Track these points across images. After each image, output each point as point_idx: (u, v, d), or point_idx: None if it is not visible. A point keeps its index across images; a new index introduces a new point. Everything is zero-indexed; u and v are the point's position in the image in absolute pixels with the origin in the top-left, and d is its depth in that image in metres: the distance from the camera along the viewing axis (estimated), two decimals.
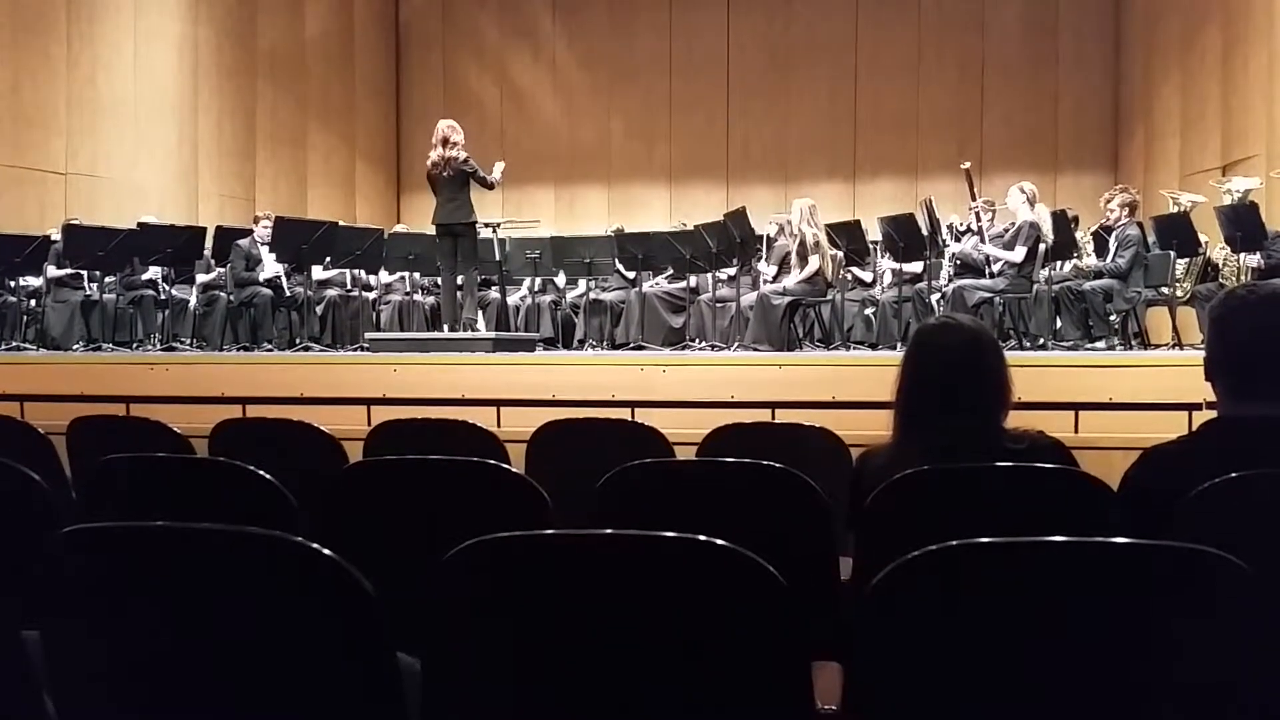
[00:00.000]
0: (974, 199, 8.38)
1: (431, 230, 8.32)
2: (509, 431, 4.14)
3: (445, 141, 7.75)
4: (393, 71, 15.53)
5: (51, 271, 9.02)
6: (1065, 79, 13.89)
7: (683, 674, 1.45)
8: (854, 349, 8.55)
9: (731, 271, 8.64)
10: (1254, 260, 7.81)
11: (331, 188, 14.24)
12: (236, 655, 1.50)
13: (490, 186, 7.97)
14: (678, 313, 9.17)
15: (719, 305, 8.42)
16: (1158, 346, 8.61)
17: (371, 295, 9.98)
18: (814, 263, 8.06)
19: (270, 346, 8.70)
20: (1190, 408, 4.82)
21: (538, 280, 9.84)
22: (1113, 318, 8.23)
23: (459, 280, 8.07)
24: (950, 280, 8.13)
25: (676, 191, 14.66)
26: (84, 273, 9.07)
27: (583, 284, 9.79)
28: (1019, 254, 7.70)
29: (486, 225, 9.71)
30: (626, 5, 14.87)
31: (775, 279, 8.43)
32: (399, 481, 2.55)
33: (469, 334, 7.93)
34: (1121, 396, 5.34)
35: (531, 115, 15.12)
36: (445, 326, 8.17)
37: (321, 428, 3.45)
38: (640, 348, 8.48)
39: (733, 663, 1.44)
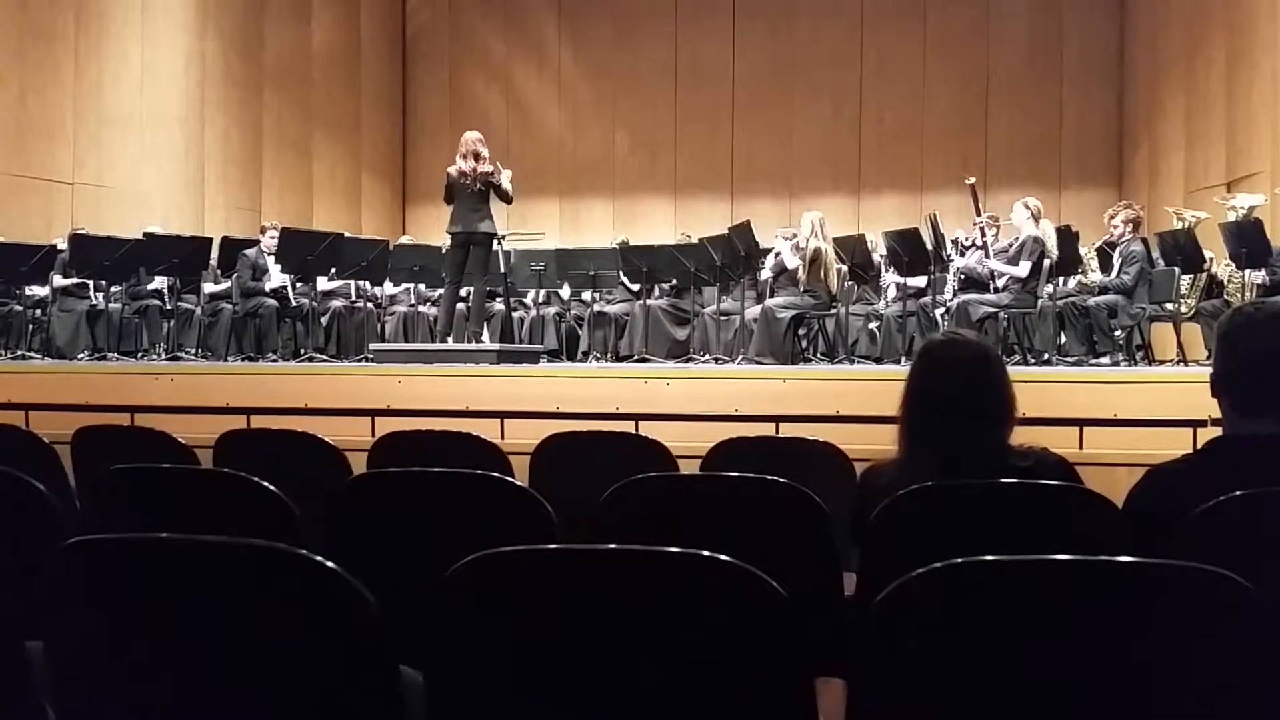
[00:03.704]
0: (978, 213, 8.38)
1: (437, 242, 8.34)
2: (513, 444, 4.13)
3: (478, 155, 7.80)
4: (399, 83, 15.57)
5: (57, 281, 9.04)
6: (1070, 94, 13.92)
7: (686, 689, 1.45)
8: (858, 363, 8.54)
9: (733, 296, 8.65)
10: (1259, 277, 7.80)
11: (337, 199, 14.27)
12: (239, 667, 1.50)
13: (510, 200, 8.00)
14: (682, 325, 9.17)
15: (723, 318, 8.42)
16: (1162, 363, 8.60)
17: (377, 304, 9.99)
18: (802, 267, 8.04)
19: (275, 357, 8.70)
20: (1195, 424, 4.81)
21: (542, 292, 9.84)
22: (1117, 333, 8.21)
23: (465, 292, 8.08)
24: (954, 295, 8.13)
25: (681, 204, 14.69)
26: (90, 282, 9.09)
27: (587, 296, 9.80)
28: (1023, 269, 7.70)
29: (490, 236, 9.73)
30: (631, 18, 14.92)
31: (774, 283, 8.43)
32: (403, 493, 2.55)
33: (473, 345, 7.93)
34: (1126, 413, 5.32)
35: (536, 127, 15.15)
36: (440, 338, 8.17)
37: (326, 439, 3.45)
38: (644, 360, 8.48)
39: (736, 678, 1.44)
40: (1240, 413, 2.19)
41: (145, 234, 8.89)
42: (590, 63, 15.10)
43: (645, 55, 14.86)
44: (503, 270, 9.11)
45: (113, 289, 8.82)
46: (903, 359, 7.67)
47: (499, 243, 9.37)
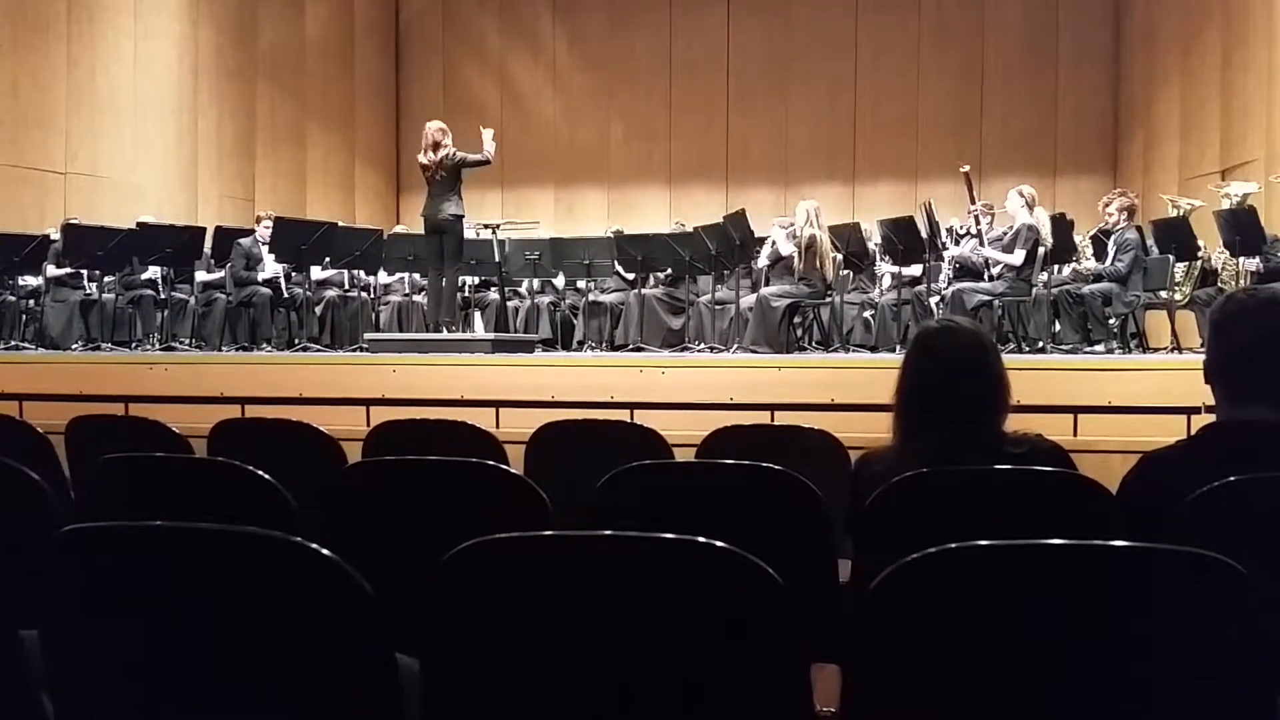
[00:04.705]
0: (973, 202, 8.38)
1: None
2: (508, 432, 4.14)
3: (436, 145, 7.77)
4: (392, 72, 15.53)
5: (51, 271, 9.02)
6: (1065, 82, 13.91)
7: (681, 676, 1.45)
8: (853, 351, 8.55)
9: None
10: (1253, 264, 7.82)
11: (331, 188, 14.24)
12: (235, 655, 1.50)
13: (487, 161, 7.91)
14: (677, 314, 9.17)
15: (718, 307, 8.42)
16: (1156, 350, 8.62)
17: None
18: (797, 255, 8.05)
19: (269, 347, 8.69)
20: (1189, 411, 4.83)
21: (537, 281, 9.84)
22: (1111, 321, 8.23)
23: (442, 280, 8.05)
24: (949, 283, 8.13)
25: (676, 193, 14.67)
26: (83, 272, 9.07)
27: (582, 285, 9.79)
28: (1018, 257, 7.70)
29: (486, 226, 9.71)
30: (626, 7, 14.88)
31: (769, 272, 8.43)
32: (398, 482, 2.55)
33: (468, 335, 7.92)
34: (1120, 400, 5.34)
35: (531, 117, 15.12)
36: (430, 328, 8.15)
37: (320, 428, 3.45)
38: (639, 349, 8.48)
39: (731, 664, 1.44)
40: (1232, 400, 2.19)
41: (139, 224, 8.86)
42: (585, 52, 15.06)
43: (640, 45, 14.82)
44: (497, 260, 9.10)
45: (106, 279, 8.80)
46: (898, 347, 7.68)
47: (493, 232, 9.38)
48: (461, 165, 7.78)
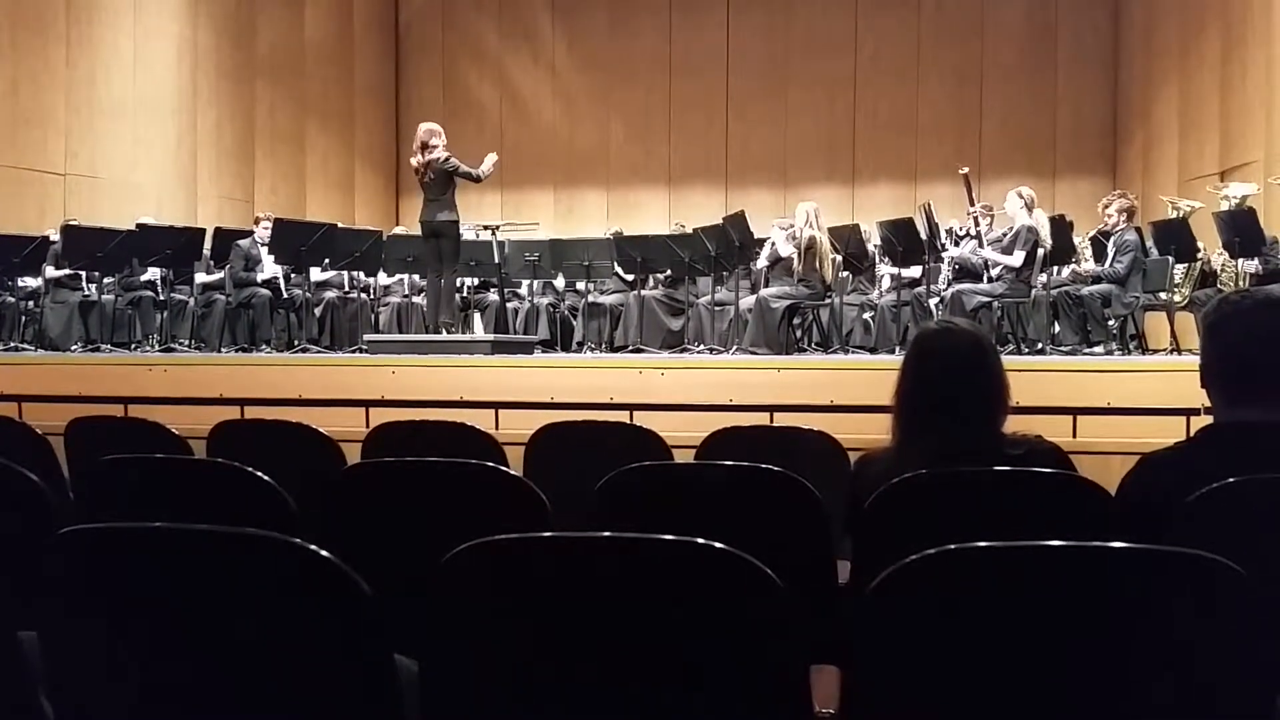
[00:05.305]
0: (972, 203, 8.39)
1: None
2: (507, 434, 4.14)
3: (425, 146, 7.74)
4: (392, 74, 15.53)
5: (50, 272, 9.02)
6: (1064, 83, 13.92)
7: (680, 677, 1.45)
8: (852, 353, 8.55)
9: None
10: (1252, 266, 7.82)
11: (330, 190, 14.24)
12: (234, 657, 1.50)
13: (477, 179, 7.85)
14: (676, 316, 9.17)
15: (717, 308, 8.42)
16: (1156, 352, 8.62)
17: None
18: (796, 256, 8.05)
19: (268, 348, 8.69)
20: (1188, 413, 4.83)
21: (537, 283, 9.84)
22: (1111, 323, 8.23)
23: (440, 282, 8.04)
24: (949, 284, 8.13)
25: (675, 194, 14.68)
26: (82, 273, 9.07)
27: (581, 286, 9.79)
28: (1017, 259, 7.71)
29: (486, 227, 9.71)
30: (626, 8, 14.89)
31: (769, 273, 8.42)
32: (397, 483, 2.55)
33: (467, 336, 7.91)
34: (1119, 401, 5.35)
35: (531, 118, 15.12)
36: (429, 329, 8.15)
37: (319, 429, 3.45)
38: (639, 350, 8.48)
39: (730, 666, 1.44)
40: (1229, 401, 2.19)
41: (138, 225, 8.86)
42: (585, 53, 15.06)
43: (640, 45, 14.83)
44: (497, 261, 9.10)
45: (105, 280, 8.80)
46: (897, 349, 7.68)
47: (492, 233, 9.39)
48: (453, 172, 7.74)
